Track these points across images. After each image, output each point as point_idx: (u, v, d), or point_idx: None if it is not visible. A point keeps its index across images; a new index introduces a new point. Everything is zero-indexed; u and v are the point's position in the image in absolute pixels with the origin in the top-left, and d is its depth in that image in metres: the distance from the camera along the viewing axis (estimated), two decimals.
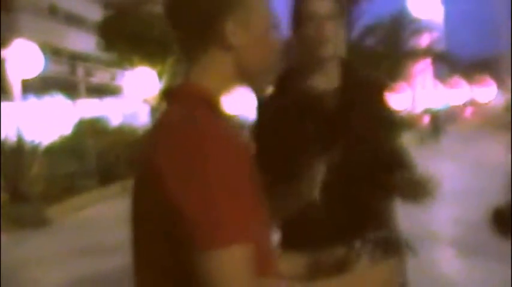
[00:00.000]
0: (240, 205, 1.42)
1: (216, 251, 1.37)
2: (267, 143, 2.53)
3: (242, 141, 1.63)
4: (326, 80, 2.61)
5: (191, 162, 1.42)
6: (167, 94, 1.69)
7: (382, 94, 2.69)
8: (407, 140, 24.17)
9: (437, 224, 10.41)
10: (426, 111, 45.56)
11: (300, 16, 2.60)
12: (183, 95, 1.64)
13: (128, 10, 32.34)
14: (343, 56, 2.65)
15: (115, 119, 28.41)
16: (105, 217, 14.11)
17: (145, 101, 30.86)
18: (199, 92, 1.62)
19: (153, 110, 30.65)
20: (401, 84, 39.39)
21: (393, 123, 2.78)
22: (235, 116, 26.31)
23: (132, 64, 29.80)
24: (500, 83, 69.03)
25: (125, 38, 28.71)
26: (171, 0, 1.67)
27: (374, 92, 2.69)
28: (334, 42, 2.56)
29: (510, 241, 2.32)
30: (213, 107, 1.61)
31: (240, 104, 26.68)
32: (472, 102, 74.80)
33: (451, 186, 14.98)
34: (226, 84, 1.67)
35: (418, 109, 53.45)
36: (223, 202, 1.40)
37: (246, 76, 1.69)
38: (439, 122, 36.20)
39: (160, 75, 30.56)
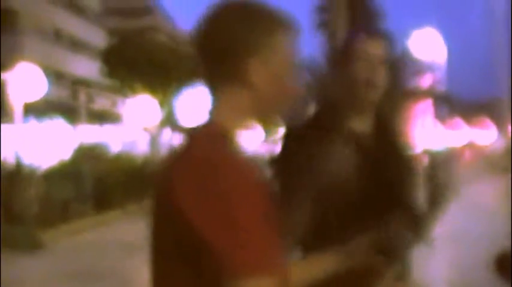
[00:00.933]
0: (265, 236, 1.49)
1: (245, 280, 1.43)
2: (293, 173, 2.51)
3: (260, 176, 1.67)
4: (363, 123, 2.61)
5: (213, 194, 1.47)
6: (190, 130, 1.74)
7: (404, 138, 2.76)
8: None
9: (434, 267, 10.37)
10: (425, 152, 45.77)
11: (351, 55, 2.57)
12: (204, 131, 1.69)
13: (131, 38, 32.60)
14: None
15: (114, 146, 28.42)
16: (99, 243, 14.13)
17: (145, 129, 30.96)
18: (219, 129, 1.67)
19: (153, 139, 30.72)
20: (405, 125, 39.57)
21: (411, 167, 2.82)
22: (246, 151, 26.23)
23: (133, 92, 29.95)
24: (500, 126, 69.29)
25: (127, 66, 28.90)
26: (200, 33, 1.72)
27: (399, 136, 2.75)
28: (380, 88, 2.57)
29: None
30: (231, 143, 1.66)
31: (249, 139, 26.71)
32: (471, 145, 75.02)
33: (448, 229, 14.96)
34: (243, 120, 1.73)
35: (418, 149, 53.53)
36: (251, 232, 1.46)
37: (260, 114, 1.75)
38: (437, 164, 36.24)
39: (161, 104, 30.69)
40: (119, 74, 29.74)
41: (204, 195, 1.48)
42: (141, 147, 30.96)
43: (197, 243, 1.47)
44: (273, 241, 1.53)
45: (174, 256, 1.54)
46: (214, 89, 1.73)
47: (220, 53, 1.68)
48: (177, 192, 1.52)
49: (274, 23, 1.71)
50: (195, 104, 36.69)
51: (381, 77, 2.56)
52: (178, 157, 1.64)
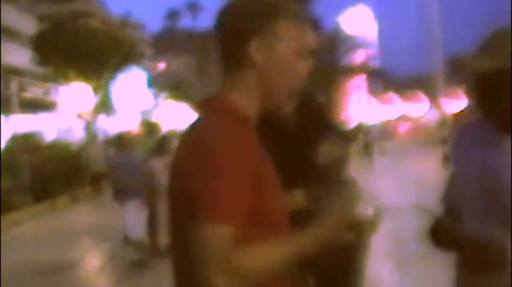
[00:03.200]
0: (234, 194, 1.72)
1: (203, 223, 1.70)
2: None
3: (256, 147, 1.88)
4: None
5: (202, 157, 1.75)
6: (200, 103, 1.97)
7: (328, 113, 2.93)
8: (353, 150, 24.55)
9: (372, 239, 10.62)
10: (359, 126, 46.08)
11: None
12: (211, 106, 1.93)
13: (63, 24, 31.99)
14: None
15: (49, 135, 27.96)
16: (38, 235, 14.06)
17: (79, 116, 30.53)
18: (224, 104, 1.90)
19: (88, 125, 30.33)
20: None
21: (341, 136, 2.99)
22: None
23: (67, 79, 29.45)
24: (432, 99, 70.64)
25: (60, 52, 28.36)
26: (217, 14, 1.95)
27: (322, 111, 2.92)
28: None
29: (447, 252, 2.44)
30: (235, 116, 1.87)
31: None
32: (405, 117, 76.23)
33: (383, 202, 15.26)
34: (251, 99, 1.92)
35: (352, 124, 54.10)
36: (219, 189, 1.71)
37: (268, 94, 1.93)
38: (371, 138, 36.43)
39: (95, 90, 30.29)
40: (51, 62, 29.17)
41: (197, 155, 1.76)
42: (76, 134, 30.51)
43: (185, 195, 1.75)
44: (244, 202, 1.74)
45: (180, 211, 1.82)
46: (224, 67, 1.95)
47: (227, 35, 1.91)
48: (181, 153, 1.85)
49: (278, 10, 1.91)
50: (130, 88, 36.34)
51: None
52: (192, 126, 1.92)
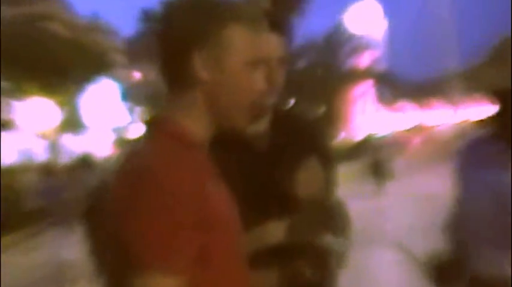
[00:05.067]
0: (173, 237, 1.64)
1: (137, 273, 1.63)
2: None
3: (206, 176, 1.78)
4: (259, 122, 2.67)
5: (137, 193, 1.65)
6: (145, 124, 1.91)
7: (313, 130, 2.86)
8: (346, 175, 24.32)
9: (381, 264, 10.59)
10: (367, 139, 45.94)
11: None
12: (153, 128, 1.85)
13: (21, 29, 31.85)
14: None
15: (8, 156, 27.84)
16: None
17: (41, 135, 30.43)
18: (168, 127, 1.81)
19: (52, 145, 30.23)
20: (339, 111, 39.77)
21: (328, 159, 2.91)
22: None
23: (26, 93, 29.35)
24: (449, 107, 70.72)
25: (17, 63, 28.24)
26: (158, 27, 1.85)
27: (305, 129, 2.84)
28: (278, 89, 2.60)
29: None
30: (181, 142, 1.78)
31: None
32: (420, 128, 76.26)
33: (394, 224, 15.22)
34: (200, 121, 1.83)
35: (358, 137, 54.10)
36: (156, 232, 1.62)
37: (220, 115, 1.84)
38: (382, 154, 35.60)
39: (60, 105, 30.19)
40: (7, 74, 29.07)
41: (131, 190, 1.66)
42: (38, 155, 30.39)
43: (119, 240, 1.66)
44: (186, 244, 1.67)
45: (114, 255, 1.72)
46: (168, 86, 1.85)
47: (169, 45, 1.81)
48: (116, 182, 1.73)
49: (225, 12, 1.79)
50: (101, 102, 36.27)
51: (280, 81, 2.58)
52: (132, 150, 1.82)
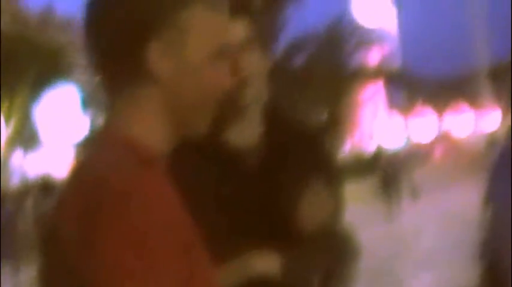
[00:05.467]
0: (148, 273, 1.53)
1: None
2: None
3: (171, 196, 1.68)
4: (244, 133, 2.64)
5: (96, 223, 1.53)
6: (86, 140, 1.78)
7: (318, 143, 2.80)
8: (354, 195, 24.28)
9: None
10: (379, 151, 45.81)
11: None
12: (99, 143, 1.71)
13: None
14: (265, 96, 2.67)
15: None
16: None
17: None
18: (118, 140, 1.67)
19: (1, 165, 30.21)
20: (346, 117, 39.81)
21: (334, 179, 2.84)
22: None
23: None
24: (477, 111, 71.04)
25: None
26: (89, 11, 1.72)
27: (305, 139, 2.77)
28: (255, 83, 2.58)
29: None
30: (136, 158, 1.64)
31: None
32: (444, 137, 76.61)
33: (422, 250, 15.24)
34: (156, 128, 1.71)
35: (369, 148, 54.20)
36: (112, 266, 1.51)
37: (179, 117, 1.73)
38: (396, 169, 35.05)
39: (8, 116, 30.22)
40: None
41: (88, 221, 1.54)
42: None
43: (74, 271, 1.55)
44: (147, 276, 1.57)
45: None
46: (111, 87, 1.73)
47: (112, 37, 1.68)
48: (65, 213, 1.60)
49: None
50: (59, 110, 36.16)
51: (251, 69, 2.57)
52: (76, 173, 1.68)
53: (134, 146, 1.66)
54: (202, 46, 1.72)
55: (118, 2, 1.67)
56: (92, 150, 1.72)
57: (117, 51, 1.68)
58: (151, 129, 1.71)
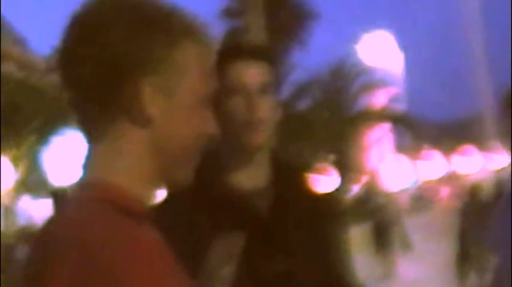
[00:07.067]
0: None
1: None
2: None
3: (161, 250, 1.55)
4: (253, 176, 2.61)
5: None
6: (63, 193, 1.69)
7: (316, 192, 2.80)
8: (359, 239, 24.03)
9: None
10: (388, 196, 45.27)
11: (220, 88, 2.46)
12: (82, 196, 1.58)
13: None
14: (274, 141, 2.68)
15: None
16: None
17: None
18: (103, 194, 1.54)
19: (6, 210, 30.06)
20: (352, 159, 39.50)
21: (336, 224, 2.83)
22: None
23: None
24: (484, 152, 70.76)
25: None
26: (65, 48, 1.60)
27: (308, 190, 2.77)
28: (267, 126, 2.57)
29: None
30: (126, 214, 1.52)
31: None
32: (450, 177, 76.11)
33: None
34: (143, 178, 1.60)
35: (379, 193, 53.72)
36: None
37: (165, 167, 1.62)
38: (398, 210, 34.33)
39: (15, 161, 30.10)
40: None
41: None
42: None
43: None
44: None
45: None
46: (92, 132, 1.63)
47: (96, 75, 1.54)
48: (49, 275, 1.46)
49: (176, 30, 1.59)
50: (66, 156, 36.04)
51: (264, 114, 2.55)
52: (54, 231, 1.55)
53: (119, 201, 1.53)
54: (196, 87, 1.61)
55: (105, 36, 1.54)
56: (72, 203, 1.60)
57: (103, 90, 1.55)
58: (137, 181, 1.59)
